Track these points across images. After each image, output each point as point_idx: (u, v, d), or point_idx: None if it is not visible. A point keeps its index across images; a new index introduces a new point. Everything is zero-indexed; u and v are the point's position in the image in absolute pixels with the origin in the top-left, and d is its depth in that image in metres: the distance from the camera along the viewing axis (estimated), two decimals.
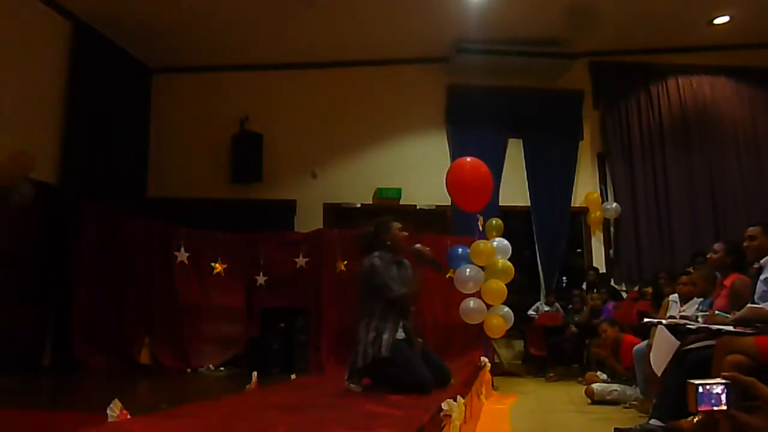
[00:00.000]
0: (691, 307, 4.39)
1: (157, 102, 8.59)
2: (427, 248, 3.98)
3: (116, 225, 6.55)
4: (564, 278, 8.84)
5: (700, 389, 1.17)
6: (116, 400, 2.22)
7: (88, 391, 4.69)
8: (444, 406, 2.43)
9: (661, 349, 4.01)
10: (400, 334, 3.53)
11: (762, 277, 3.30)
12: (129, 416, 2.21)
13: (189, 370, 6.31)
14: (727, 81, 9.11)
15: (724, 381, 1.14)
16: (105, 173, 7.13)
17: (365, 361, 3.45)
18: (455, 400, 2.53)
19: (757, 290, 3.23)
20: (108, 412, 2.18)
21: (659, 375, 4.06)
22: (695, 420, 2.99)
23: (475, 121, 8.69)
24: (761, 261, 3.38)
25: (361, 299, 3.64)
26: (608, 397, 4.99)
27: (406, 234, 3.92)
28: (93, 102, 7.07)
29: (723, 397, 1.14)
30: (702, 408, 1.15)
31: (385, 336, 3.46)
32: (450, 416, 2.40)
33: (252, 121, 8.52)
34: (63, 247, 6.30)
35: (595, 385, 5.14)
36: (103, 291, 6.30)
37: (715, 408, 1.14)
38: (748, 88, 9.08)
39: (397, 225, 3.88)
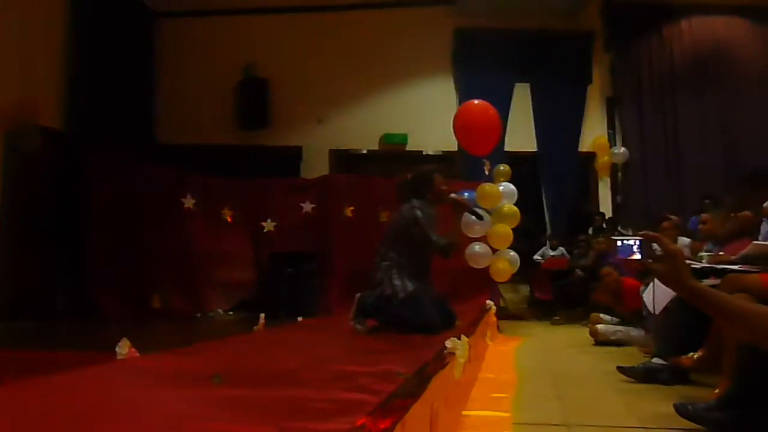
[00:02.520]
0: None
1: (161, 47, 8.48)
2: (464, 197, 3.92)
3: (126, 171, 6.56)
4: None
5: (620, 243, 1.53)
6: (125, 338, 2.26)
7: (100, 334, 4.79)
8: (448, 344, 2.46)
9: (663, 288, 4.04)
10: (419, 283, 3.52)
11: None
12: (137, 354, 2.25)
13: (199, 314, 6.41)
14: (742, 21, 8.84)
15: (638, 237, 1.48)
16: (111, 119, 7.09)
17: (378, 299, 3.47)
18: (459, 339, 2.56)
19: (761, 231, 3.23)
20: (117, 350, 2.22)
21: (656, 314, 4.12)
22: (695, 356, 3.03)
23: (482, 65, 8.55)
24: None
25: (387, 243, 3.58)
26: (612, 338, 5.05)
27: (446, 188, 3.80)
28: (96, 47, 6.99)
29: (635, 248, 1.48)
30: (621, 257, 1.54)
31: (407, 283, 3.46)
32: (454, 354, 2.43)
33: (257, 66, 8.41)
34: (74, 193, 6.32)
35: (599, 326, 5.19)
36: (113, 237, 6.35)
37: (630, 258, 1.51)
38: (763, 29, 8.82)
39: (439, 179, 3.76)
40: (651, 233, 1.40)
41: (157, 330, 5.28)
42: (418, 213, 3.53)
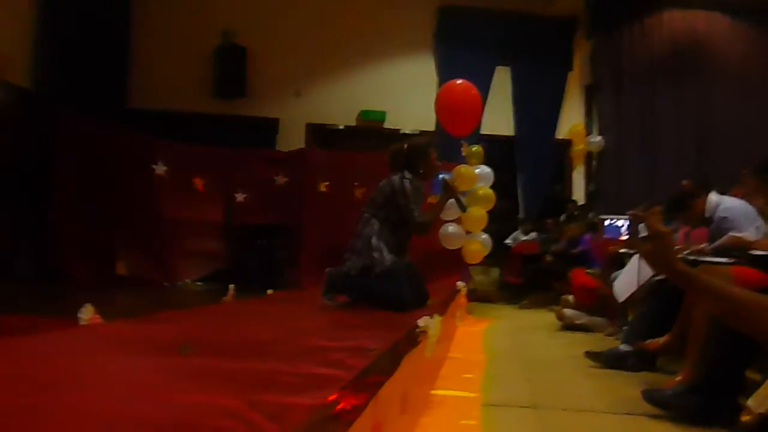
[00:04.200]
0: None
1: (138, 8, 8.20)
2: (456, 183, 3.91)
3: (95, 134, 6.38)
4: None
5: (607, 222, 1.57)
6: (88, 304, 2.18)
7: (63, 299, 4.67)
8: (420, 323, 2.44)
9: (632, 277, 4.10)
10: (398, 258, 3.49)
11: (712, 225, 3.43)
12: (101, 320, 2.18)
13: (167, 283, 6.31)
14: (722, 16, 8.91)
15: (626, 217, 1.52)
16: (82, 80, 6.86)
17: (352, 272, 3.42)
18: (432, 318, 2.54)
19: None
20: (79, 315, 2.14)
21: (620, 302, 4.21)
22: (661, 341, 3.07)
23: (464, 45, 8.48)
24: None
25: (372, 210, 3.53)
26: (577, 321, 5.11)
27: (440, 164, 3.78)
28: (69, 5, 6.72)
29: (624, 229, 1.54)
30: (607, 237, 1.61)
31: (386, 256, 3.42)
32: (426, 333, 2.41)
33: (236, 33, 8.21)
34: (41, 154, 6.13)
35: (566, 310, 5.26)
36: (81, 200, 6.20)
37: (618, 238, 1.55)
38: (743, 25, 8.90)
39: (434, 153, 3.68)
40: (640, 213, 1.37)
41: (123, 297, 5.18)
42: (407, 184, 3.48)
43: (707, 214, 3.52)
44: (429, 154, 3.65)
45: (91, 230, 6.23)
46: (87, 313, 2.14)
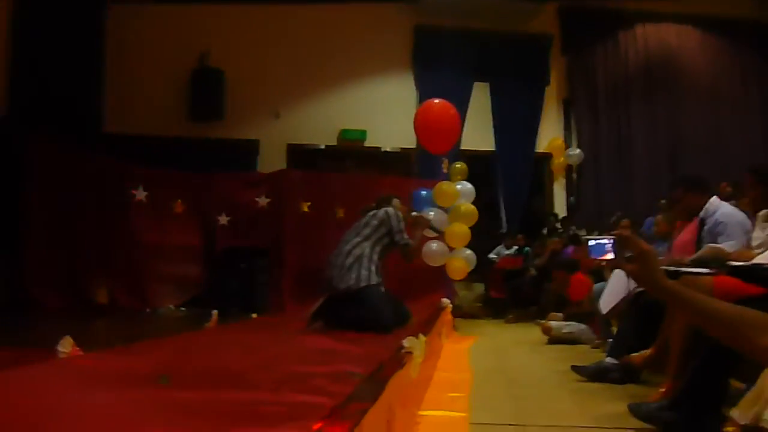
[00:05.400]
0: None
1: (113, 33, 8.14)
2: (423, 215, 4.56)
3: (71, 160, 6.29)
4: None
5: (592, 242, 1.58)
6: (67, 336, 2.14)
7: (41, 330, 4.57)
8: (405, 343, 2.43)
9: (614, 290, 4.12)
10: (379, 279, 3.66)
11: (705, 227, 3.44)
12: (81, 353, 2.14)
13: (148, 310, 6.22)
14: (693, 30, 9.12)
15: (611, 237, 1.47)
16: (57, 105, 6.77)
17: (342, 287, 3.50)
18: (417, 338, 2.52)
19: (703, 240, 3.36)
20: (58, 348, 2.10)
21: (604, 314, 4.23)
22: (645, 354, 3.07)
23: (442, 64, 8.55)
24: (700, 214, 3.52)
25: (366, 233, 3.77)
26: (564, 330, 5.12)
27: (406, 208, 4.38)
28: (44, 31, 6.66)
29: (609, 248, 1.48)
30: (593, 257, 1.57)
31: (373, 277, 3.59)
32: (411, 353, 2.40)
33: (213, 56, 8.20)
34: (13, 179, 6.02)
35: (552, 322, 5.28)
36: (57, 228, 6.08)
37: (604, 257, 1.53)
38: (713, 39, 9.11)
39: (396, 200, 4.15)
40: (624, 233, 1.37)
41: (103, 326, 5.10)
42: (399, 213, 3.92)
43: (701, 214, 3.54)
44: (392, 201, 4.11)
45: (67, 258, 6.12)
46: (66, 346, 2.10)
